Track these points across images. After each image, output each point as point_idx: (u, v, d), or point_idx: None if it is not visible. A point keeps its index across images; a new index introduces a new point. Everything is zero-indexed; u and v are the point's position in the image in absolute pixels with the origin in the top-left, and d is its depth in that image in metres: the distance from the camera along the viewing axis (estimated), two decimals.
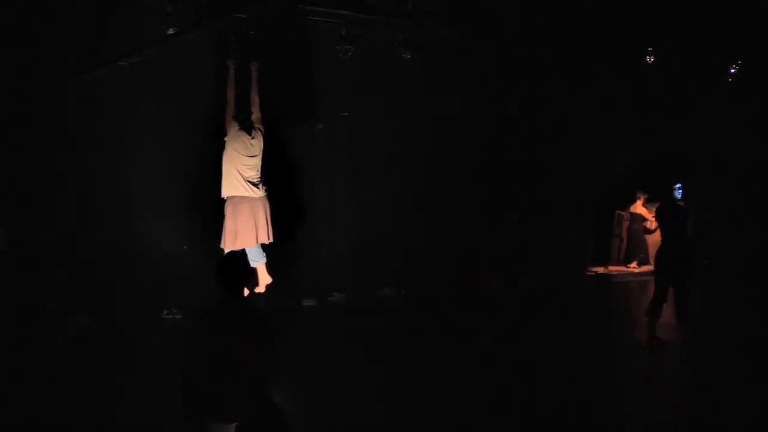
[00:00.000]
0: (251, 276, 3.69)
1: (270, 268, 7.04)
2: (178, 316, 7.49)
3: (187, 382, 3.41)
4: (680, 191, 6.82)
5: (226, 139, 6.50)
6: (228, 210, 6.49)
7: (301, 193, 8.13)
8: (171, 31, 7.44)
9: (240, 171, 6.46)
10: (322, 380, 5.52)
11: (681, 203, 6.93)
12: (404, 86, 8.80)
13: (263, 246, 6.80)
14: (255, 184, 6.53)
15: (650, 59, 9.78)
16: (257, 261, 6.76)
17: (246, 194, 6.48)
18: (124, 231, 7.42)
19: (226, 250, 6.43)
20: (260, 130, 6.65)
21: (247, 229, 6.49)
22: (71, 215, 7.01)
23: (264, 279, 6.90)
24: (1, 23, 6.64)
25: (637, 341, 6.90)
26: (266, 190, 6.66)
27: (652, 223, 11.13)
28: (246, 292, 6.71)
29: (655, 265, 7.25)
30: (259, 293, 6.89)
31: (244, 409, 3.37)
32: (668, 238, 6.76)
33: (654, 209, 11.08)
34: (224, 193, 6.52)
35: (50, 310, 6.80)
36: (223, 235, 6.54)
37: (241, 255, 3.86)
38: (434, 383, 5.48)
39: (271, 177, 6.86)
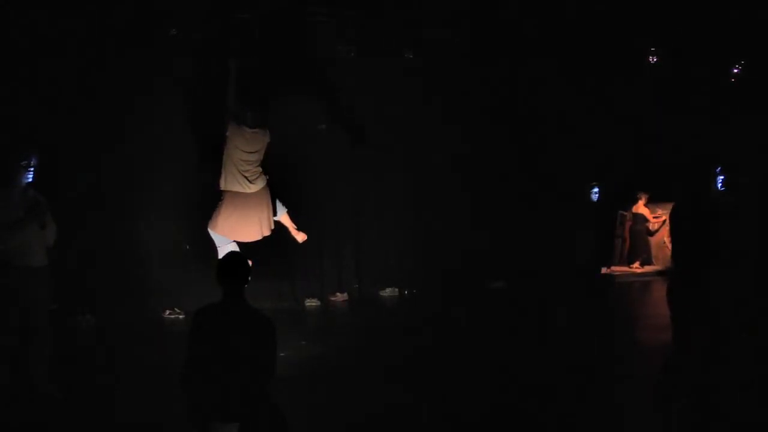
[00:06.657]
0: (252, 274, 3.69)
1: (271, 267, 7.04)
2: (180, 316, 7.50)
3: (188, 381, 3.41)
4: (596, 194, 7.07)
5: (227, 134, 6.52)
6: (227, 202, 6.51)
7: (303, 193, 8.13)
8: (173, 32, 7.45)
9: (238, 166, 6.49)
10: (323, 380, 5.52)
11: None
12: (405, 86, 8.79)
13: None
14: (252, 180, 6.55)
15: (653, 59, 9.76)
16: (278, 215, 6.83)
17: (243, 190, 6.51)
18: (124, 231, 7.42)
19: (212, 232, 6.49)
20: (263, 128, 6.66)
21: (246, 225, 6.51)
22: (71, 215, 7.00)
23: (292, 227, 6.99)
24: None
25: (638, 341, 6.92)
26: (267, 182, 6.68)
27: (653, 223, 11.22)
28: (301, 237, 6.97)
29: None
30: (303, 240, 7.05)
31: (244, 409, 3.37)
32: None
33: (655, 209, 11.16)
34: (222, 187, 6.56)
35: (52, 310, 6.78)
36: (213, 218, 6.53)
37: (241, 255, 3.86)
38: (435, 384, 5.48)
39: (272, 177, 6.86)
